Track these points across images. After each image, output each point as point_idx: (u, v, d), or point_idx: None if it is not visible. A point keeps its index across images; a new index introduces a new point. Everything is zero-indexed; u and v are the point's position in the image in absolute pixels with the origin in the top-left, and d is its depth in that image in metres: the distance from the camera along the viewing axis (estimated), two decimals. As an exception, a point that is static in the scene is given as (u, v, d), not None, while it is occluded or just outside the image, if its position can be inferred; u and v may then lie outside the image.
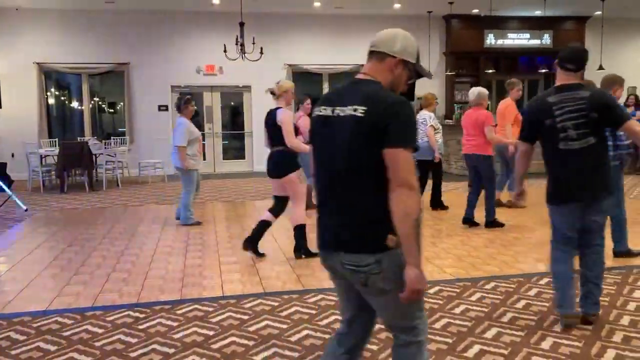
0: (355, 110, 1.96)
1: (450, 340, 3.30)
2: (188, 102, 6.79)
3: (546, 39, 13.50)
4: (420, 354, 2.10)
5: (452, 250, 5.47)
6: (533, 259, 5.13)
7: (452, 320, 3.62)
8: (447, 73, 13.24)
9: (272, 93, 5.30)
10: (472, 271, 4.75)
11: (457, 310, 3.80)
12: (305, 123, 7.18)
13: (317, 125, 2.11)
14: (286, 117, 5.13)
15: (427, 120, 7.31)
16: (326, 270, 2.18)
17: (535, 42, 13.53)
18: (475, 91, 6.55)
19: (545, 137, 3.42)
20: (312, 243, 5.44)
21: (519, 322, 3.60)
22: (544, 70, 13.59)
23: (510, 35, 13.42)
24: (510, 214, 7.11)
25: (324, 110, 2.07)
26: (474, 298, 4.06)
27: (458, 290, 4.23)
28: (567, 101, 3.34)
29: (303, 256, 5.27)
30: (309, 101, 7.64)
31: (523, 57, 13.78)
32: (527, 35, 13.49)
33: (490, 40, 13.36)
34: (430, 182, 7.57)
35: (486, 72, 13.21)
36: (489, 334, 3.41)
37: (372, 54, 2.10)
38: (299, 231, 5.26)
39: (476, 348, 3.20)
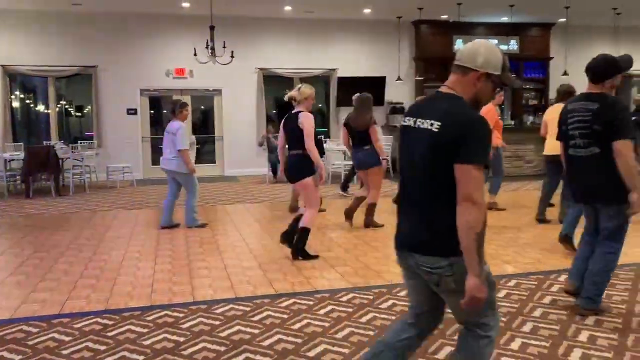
0: (432, 125, 2.09)
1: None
2: (183, 106, 6.90)
3: (513, 45, 13.76)
4: (488, 348, 2.25)
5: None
6: (502, 261, 5.22)
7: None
8: (417, 78, 13.38)
9: (293, 99, 5.31)
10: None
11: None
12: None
13: (402, 135, 2.28)
14: (309, 121, 5.20)
15: None
16: (402, 269, 2.32)
17: (503, 47, 13.75)
18: None
19: (563, 141, 3.77)
20: (311, 247, 5.45)
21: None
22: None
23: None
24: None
25: (408, 121, 2.22)
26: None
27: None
28: (579, 110, 3.61)
29: (300, 258, 5.31)
30: None
31: (491, 63, 13.99)
32: (495, 41, 13.70)
33: (459, 45, 13.53)
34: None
35: (455, 77, 13.38)
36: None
37: (457, 67, 2.19)
38: (304, 234, 5.30)
39: (446, 350, 3.23)
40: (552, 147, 6.26)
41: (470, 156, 2.00)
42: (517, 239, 6.11)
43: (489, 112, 7.52)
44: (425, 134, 2.10)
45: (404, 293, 4.24)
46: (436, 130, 2.06)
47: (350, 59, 13.09)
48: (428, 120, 2.11)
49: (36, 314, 3.95)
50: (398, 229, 2.28)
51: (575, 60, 14.08)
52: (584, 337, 3.40)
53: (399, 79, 13.07)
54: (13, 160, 10.37)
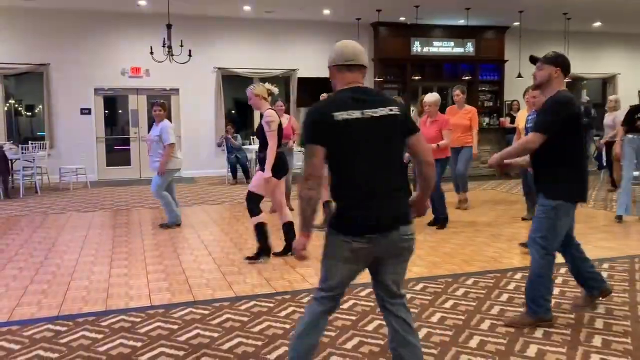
0: (392, 110, 2.41)
1: (382, 343, 3.34)
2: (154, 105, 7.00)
3: (469, 48, 14.02)
4: None
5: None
6: (461, 260, 5.29)
7: (382, 323, 3.65)
8: (376, 79, 13.48)
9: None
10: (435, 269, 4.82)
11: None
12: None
13: (348, 127, 2.34)
14: (268, 118, 5.16)
15: None
16: (351, 256, 2.41)
17: (459, 50, 14.02)
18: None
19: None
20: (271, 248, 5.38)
21: (448, 321, 3.68)
22: (467, 78, 14.09)
23: (435, 43, 13.83)
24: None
25: (354, 114, 2.35)
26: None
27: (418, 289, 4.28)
28: None
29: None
30: (280, 103, 7.95)
31: (447, 65, 14.23)
32: (452, 44, 13.95)
33: (417, 47, 13.72)
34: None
35: (413, 78, 13.56)
36: (420, 334, 3.47)
37: (355, 67, 2.52)
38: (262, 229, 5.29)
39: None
40: None
41: (417, 128, 2.51)
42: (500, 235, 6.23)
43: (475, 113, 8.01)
44: (389, 119, 2.39)
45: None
46: (397, 113, 2.41)
47: (311, 60, 13.08)
48: (383, 108, 2.40)
49: None
50: (368, 215, 2.33)
51: (529, 62, 14.46)
52: (539, 333, 3.47)
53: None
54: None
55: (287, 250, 5.37)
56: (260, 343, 3.36)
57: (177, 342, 3.40)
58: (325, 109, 2.38)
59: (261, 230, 5.26)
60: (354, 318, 3.76)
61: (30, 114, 12.69)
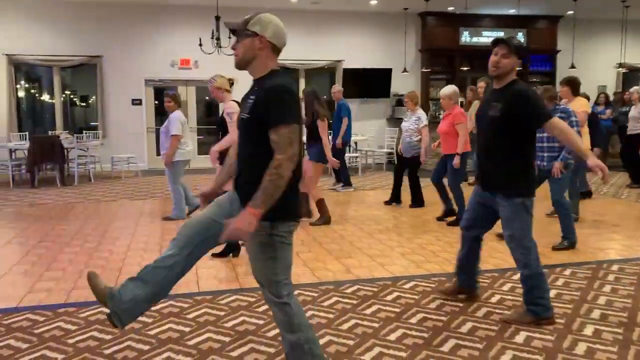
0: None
1: (426, 335, 3.34)
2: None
3: (520, 37, 13.68)
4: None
5: (428, 246, 5.52)
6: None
7: (427, 315, 3.65)
8: (423, 70, 13.33)
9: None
10: (448, 267, 4.80)
11: (433, 305, 3.83)
12: None
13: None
14: (229, 110, 5.18)
15: (421, 119, 7.31)
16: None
17: (509, 40, 13.70)
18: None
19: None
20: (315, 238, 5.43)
21: (493, 316, 3.65)
22: (517, 68, 13.78)
23: (484, 33, 13.56)
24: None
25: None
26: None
27: (434, 285, 4.27)
28: None
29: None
30: None
31: (497, 55, 13.93)
32: (501, 34, 13.63)
33: (465, 37, 13.49)
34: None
35: (461, 69, 13.34)
36: (464, 328, 3.45)
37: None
38: None
39: (451, 342, 3.24)
40: None
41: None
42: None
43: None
44: None
45: (408, 285, 4.24)
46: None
47: (356, 50, 13.04)
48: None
49: (42, 302, 3.96)
50: (300, 198, 2.50)
51: (582, 53, 14.03)
52: (588, 330, 3.40)
53: (405, 70, 13.01)
54: (18, 149, 10.38)
55: (228, 251, 5.15)
56: (304, 331, 3.41)
57: (224, 327, 3.48)
58: (295, 91, 2.40)
59: None
60: (397, 310, 3.77)
61: (84, 104, 13.13)
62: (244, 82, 3.22)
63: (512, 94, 3.34)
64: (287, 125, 2.25)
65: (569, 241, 5.41)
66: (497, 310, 3.73)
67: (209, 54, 10.88)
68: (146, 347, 3.20)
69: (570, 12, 12.93)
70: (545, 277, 3.51)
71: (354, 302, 3.93)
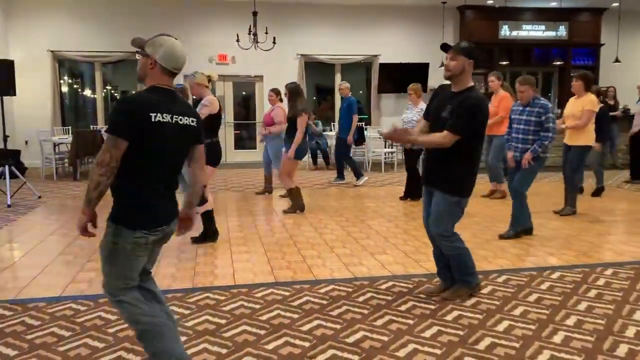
0: (193, 121, 2.62)
1: (461, 333, 3.30)
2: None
3: (562, 31, 13.35)
4: None
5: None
6: (545, 252, 5.11)
7: (463, 313, 3.61)
8: (461, 64, 13.14)
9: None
10: (485, 264, 4.74)
11: (469, 303, 3.79)
12: (276, 113, 7.89)
13: (160, 128, 2.46)
14: (206, 102, 5.29)
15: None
16: (147, 247, 2.64)
17: (551, 33, 13.38)
18: None
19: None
20: (350, 234, 5.44)
21: (531, 315, 3.59)
22: (558, 63, 13.45)
23: (525, 26, 13.28)
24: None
25: (166, 117, 2.48)
26: (485, 291, 4.05)
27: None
28: None
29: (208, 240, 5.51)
30: (271, 93, 8.22)
31: (537, 49, 13.64)
32: (542, 27, 13.35)
33: (505, 31, 13.24)
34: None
35: (500, 63, 13.10)
36: (500, 326, 3.40)
37: (176, 74, 2.64)
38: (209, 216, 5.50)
39: (487, 340, 3.20)
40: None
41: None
42: (560, 229, 5.98)
43: (504, 99, 7.64)
44: (188, 129, 2.59)
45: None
46: (194, 124, 2.63)
47: (393, 45, 12.95)
48: (187, 118, 2.58)
49: (83, 292, 4.08)
50: (156, 211, 2.57)
51: (627, 46, 13.59)
52: (630, 332, 3.31)
53: (442, 65, 12.85)
54: (61, 143, 10.69)
55: (204, 237, 5.52)
56: (338, 326, 3.42)
57: (259, 320, 3.52)
58: (143, 105, 2.44)
59: (209, 216, 5.45)
60: (432, 307, 3.74)
61: (124, 99, 13.41)
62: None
63: (461, 100, 3.53)
64: (109, 134, 2.40)
65: (514, 231, 5.60)
66: (535, 310, 3.67)
67: (246, 49, 10.97)
68: (183, 338, 3.25)
69: (616, 4, 12.54)
70: (469, 251, 3.84)
71: (389, 298, 3.92)
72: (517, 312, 3.64)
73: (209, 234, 5.52)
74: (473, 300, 3.85)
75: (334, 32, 13.03)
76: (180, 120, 2.55)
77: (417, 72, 12.90)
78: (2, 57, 9.64)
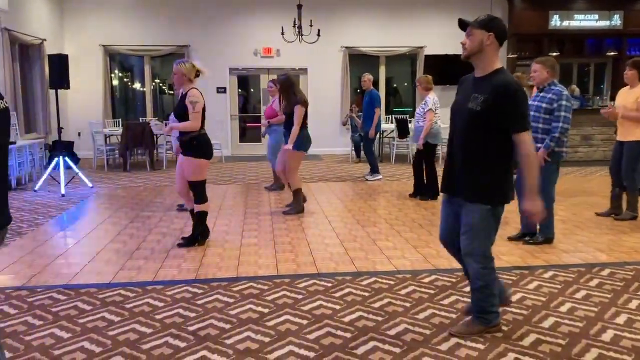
0: (6, 103, 2.25)
1: (505, 328, 3.26)
2: None
3: (616, 20, 12.85)
4: None
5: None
6: (594, 248, 4.97)
7: (507, 309, 3.55)
8: (509, 56, 12.84)
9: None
10: (530, 259, 4.64)
11: (514, 299, 3.73)
12: (277, 105, 7.67)
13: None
14: (192, 98, 4.97)
15: (427, 103, 7.15)
16: None
17: (604, 23, 12.90)
18: None
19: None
20: (393, 227, 5.43)
21: (578, 312, 3.50)
22: (612, 54, 12.97)
23: (577, 16, 12.85)
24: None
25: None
26: (531, 287, 3.97)
27: (515, 279, 4.15)
28: None
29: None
30: (271, 84, 8.09)
31: (590, 39, 13.19)
32: (596, 16, 12.88)
33: (556, 21, 12.85)
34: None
35: (550, 54, 12.72)
36: (546, 323, 3.33)
37: None
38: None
39: (532, 337, 3.14)
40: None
41: None
42: (613, 226, 5.80)
43: None
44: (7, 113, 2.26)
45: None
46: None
47: (439, 37, 12.75)
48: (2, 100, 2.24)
49: (132, 280, 4.21)
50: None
51: (687, 35, 12.98)
52: (685, 333, 3.19)
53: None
54: (112, 135, 11.02)
55: (193, 239, 5.16)
56: (380, 319, 3.42)
57: (301, 311, 3.56)
58: None
59: (202, 218, 5.17)
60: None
61: (172, 92, 13.68)
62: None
63: (495, 88, 2.89)
64: None
65: (544, 236, 5.10)
66: (583, 307, 3.58)
67: (291, 42, 11.01)
68: (228, 326, 3.33)
69: (675, -8, 11.99)
70: (495, 285, 3.14)
71: (432, 292, 3.90)
72: (564, 309, 3.56)
73: (199, 236, 5.16)
74: (518, 295, 3.78)
75: (379, 24, 12.94)
76: None
77: (463, 64, 12.56)
78: (57, 52, 9.99)
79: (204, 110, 5.04)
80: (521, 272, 4.31)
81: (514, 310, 3.54)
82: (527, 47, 13.02)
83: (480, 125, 2.93)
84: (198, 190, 5.09)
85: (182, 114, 4.96)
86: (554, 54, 12.70)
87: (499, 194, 2.99)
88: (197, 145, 4.99)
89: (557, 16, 12.81)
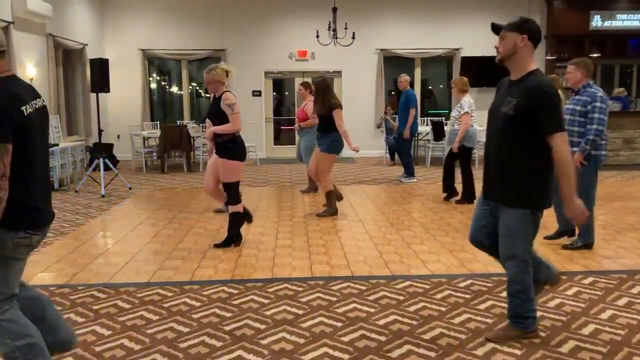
0: (44, 101, 2.44)
1: (543, 334, 3.20)
2: None
3: (661, 20, 12.49)
4: None
5: (552, 243, 5.25)
6: (637, 254, 4.83)
7: (545, 314, 3.49)
8: (547, 57, 12.61)
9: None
10: (569, 264, 4.55)
11: (552, 304, 3.66)
12: (308, 107, 7.75)
13: (31, 120, 2.29)
14: (228, 101, 5.07)
15: (462, 106, 7.04)
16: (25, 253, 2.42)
17: (648, 24, 12.55)
18: None
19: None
20: (429, 230, 5.42)
21: (620, 319, 3.41)
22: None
23: (619, 16, 12.53)
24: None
25: (29, 106, 2.30)
26: (570, 292, 3.89)
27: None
28: None
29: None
30: (301, 87, 8.15)
31: (633, 40, 12.83)
32: (639, 16, 12.53)
33: (597, 22, 12.55)
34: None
35: (590, 56, 12.44)
36: (586, 330, 3.26)
37: (4, 53, 2.32)
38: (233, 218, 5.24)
39: (570, 343, 3.08)
40: None
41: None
42: (657, 232, 5.63)
43: None
44: (45, 111, 2.45)
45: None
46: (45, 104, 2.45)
47: (476, 38, 12.60)
48: (39, 100, 2.40)
49: (170, 279, 4.29)
50: (49, 206, 2.46)
51: None
52: None
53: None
54: (150, 137, 11.25)
55: (229, 240, 5.20)
56: (415, 322, 3.41)
57: (335, 313, 3.57)
58: (12, 102, 2.22)
59: (235, 219, 5.17)
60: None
61: (209, 95, 13.88)
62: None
63: (527, 90, 2.86)
64: None
65: (583, 241, 4.95)
66: (624, 314, 3.49)
67: (326, 45, 11.05)
68: (263, 327, 3.36)
69: None
70: (534, 289, 3.10)
71: (468, 296, 3.86)
72: (604, 315, 3.48)
73: (235, 237, 5.22)
74: (556, 301, 3.71)
75: (414, 26, 12.87)
76: (36, 104, 2.37)
77: (501, 66, 12.46)
78: (97, 56, 10.26)
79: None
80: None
81: (552, 315, 3.47)
82: (567, 48, 12.74)
83: (514, 129, 2.90)
84: (232, 191, 5.15)
85: (216, 114, 5.06)
86: (595, 55, 12.42)
87: (536, 197, 2.95)
88: (231, 147, 5.06)
89: (598, 16, 12.51)
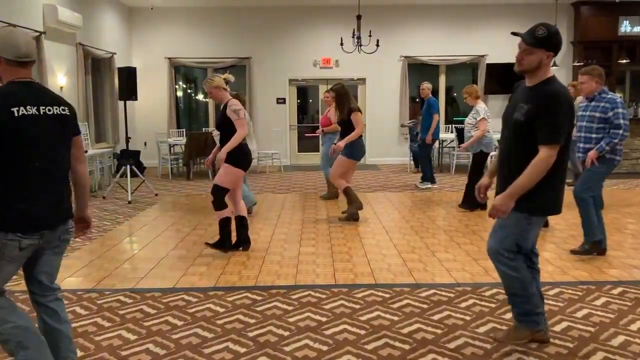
0: (64, 109, 2.49)
1: (570, 345, 3.14)
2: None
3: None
4: None
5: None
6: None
7: (573, 324, 3.43)
8: (575, 64, 12.43)
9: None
10: (598, 275, 4.46)
11: (579, 314, 3.60)
12: (332, 114, 7.82)
13: (24, 122, 2.33)
14: (234, 107, 5.09)
15: (479, 112, 7.03)
16: (17, 256, 2.41)
17: (679, 29, 12.30)
18: None
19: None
20: (453, 238, 5.38)
21: (650, 331, 3.34)
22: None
23: (649, 21, 12.31)
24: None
25: (31, 110, 2.35)
26: (598, 302, 3.82)
27: (581, 294, 4.00)
28: None
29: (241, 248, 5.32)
30: (327, 94, 8.18)
31: (663, 46, 12.59)
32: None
33: (626, 27, 12.35)
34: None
35: (619, 62, 12.24)
36: (615, 341, 3.19)
37: (29, 63, 2.45)
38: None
39: (599, 355, 3.02)
40: None
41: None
42: (689, 241, 5.49)
43: None
44: (61, 118, 2.47)
45: (552, 292, 4.02)
46: (68, 113, 2.51)
47: (501, 45, 12.48)
48: (56, 107, 2.46)
49: (194, 285, 4.33)
50: (42, 209, 2.42)
51: None
52: None
53: (554, 64, 12.22)
54: (176, 145, 11.39)
55: (237, 244, 5.29)
56: (439, 331, 3.38)
57: (359, 320, 3.56)
58: (3, 103, 2.30)
59: (226, 225, 5.17)
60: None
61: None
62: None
63: (543, 95, 2.84)
64: None
65: (589, 240, 4.91)
66: (655, 326, 3.41)
67: (350, 52, 11.07)
68: (286, 333, 3.37)
69: None
70: (532, 282, 3.07)
71: (493, 305, 3.81)
72: (634, 327, 3.40)
73: (226, 241, 5.21)
74: (584, 311, 3.65)
75: (438, 33, 12.82)
76: (49, 110, 2.43)
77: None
78: (125, 64, 10.44)
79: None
80: (587, 286, 4.15)
81: (580, 326, 3.41)
82: (594, 54, 12.55)
83: (523, 136, 2.88)
84: (218, 196, 5.11)
85: (223, 123, 5.09)
86: (624, 61, 12.21)
87: (539, 203, 2.92)
88: (236, 154, 5.06)
89: (627, 21, 12.31)
